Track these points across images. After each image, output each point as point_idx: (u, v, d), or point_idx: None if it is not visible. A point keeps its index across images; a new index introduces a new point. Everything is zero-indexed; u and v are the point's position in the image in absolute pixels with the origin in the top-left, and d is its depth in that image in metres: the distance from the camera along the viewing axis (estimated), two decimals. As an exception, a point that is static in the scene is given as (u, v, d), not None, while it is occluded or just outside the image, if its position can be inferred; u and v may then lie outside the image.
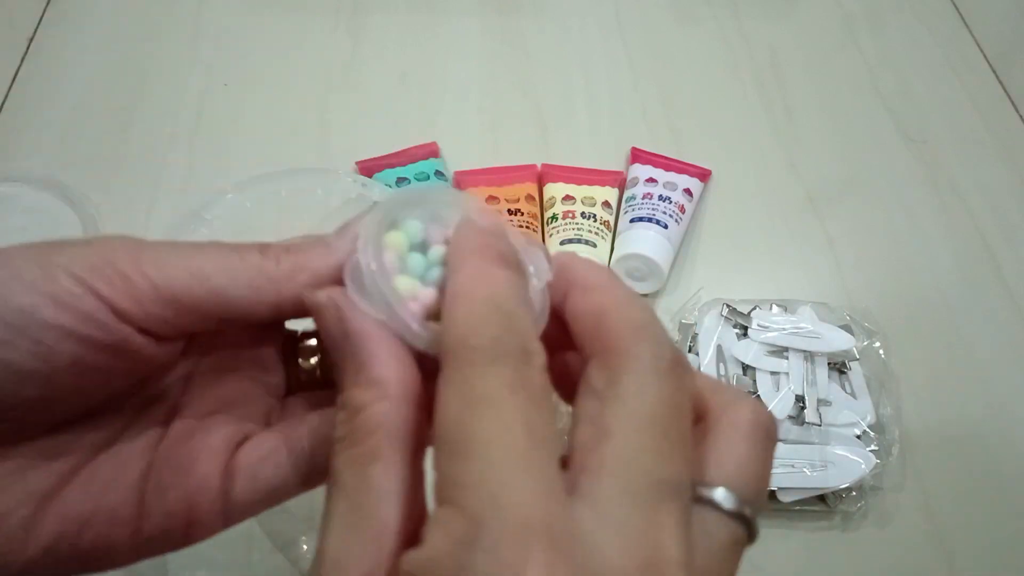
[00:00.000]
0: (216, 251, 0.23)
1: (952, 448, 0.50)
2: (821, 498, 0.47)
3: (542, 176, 0.61)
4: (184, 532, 0.23)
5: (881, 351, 0.52)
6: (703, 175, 0.62)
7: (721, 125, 0.67)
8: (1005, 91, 0.71)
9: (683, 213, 0.58)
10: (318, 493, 0.26)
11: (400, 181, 0.58)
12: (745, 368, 0.50)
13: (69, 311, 0.21)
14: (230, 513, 0.24)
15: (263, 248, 0.24)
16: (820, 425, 0.47)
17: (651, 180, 0.60)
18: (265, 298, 0.23)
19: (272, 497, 0.25)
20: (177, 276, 0.22)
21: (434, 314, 0.23)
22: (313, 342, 0.27)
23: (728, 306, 0.53)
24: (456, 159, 0.62)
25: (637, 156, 0.63)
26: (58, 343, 0.21)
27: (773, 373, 0.50)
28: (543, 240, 0.56)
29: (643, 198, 0.58)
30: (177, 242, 0.23)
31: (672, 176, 0.60)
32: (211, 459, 0.24)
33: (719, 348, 0.51)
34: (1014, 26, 0.78)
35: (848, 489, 0.46)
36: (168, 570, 0.44)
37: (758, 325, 0.52)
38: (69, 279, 0.21)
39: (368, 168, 0.61)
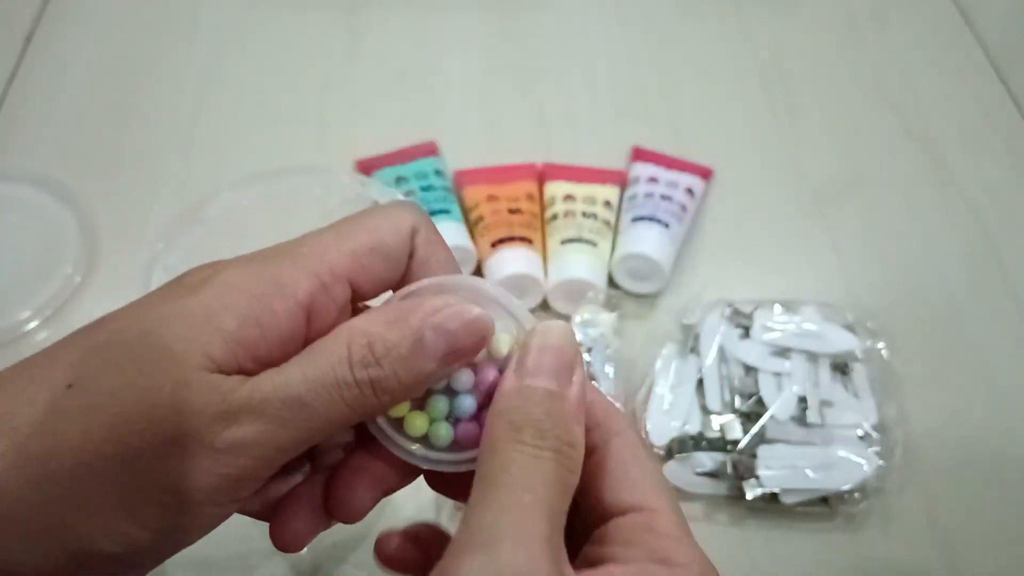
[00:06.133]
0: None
1: (956, 450, 0.50)
2: (824, 500, 0.46)
3: (542, 175, 0.61)
4: None
5: (884, 352, 0.52)
6: (705, 174, 0.62)
7: (723, 123, 0.67)
8: (1008, 90, 0.70)
9: (685, 212, 0.58)
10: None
11: (399, 180, 0.58)
12: (748, 369, 0.50)
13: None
14: None
15: (376, 386, 0.24)
16: (823, 426, 0.47)
17: (653, 179, 0.59)
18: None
19: None
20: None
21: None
22: None
23: (730, 306, 0.53)
24: (456, 158, 0.62)
25: (638, 155, 0.62)
26: None
27: (776, 374, 0.49)
28: (543, 240, 0.56)
29: (645, 197, 0.58)
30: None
31: (674, 175, 0.60)
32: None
33: (721, 349, 0.51)
34: (1017, 25, 0.77)
35: (851, 491, 0.46)
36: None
37: (761, 326, 0.51)
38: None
39: (367, 167, 0.60)
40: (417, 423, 0.25)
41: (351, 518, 0.26)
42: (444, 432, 0.25)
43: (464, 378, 0.25)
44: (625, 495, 0.25)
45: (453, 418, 0.26)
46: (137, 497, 0.21)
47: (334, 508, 0.26)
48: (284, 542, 0.26)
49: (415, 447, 0.25)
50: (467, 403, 0.25)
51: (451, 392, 0.26)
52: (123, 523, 0.21)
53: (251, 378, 0.22)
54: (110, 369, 0.22)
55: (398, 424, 0.25)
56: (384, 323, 0.24)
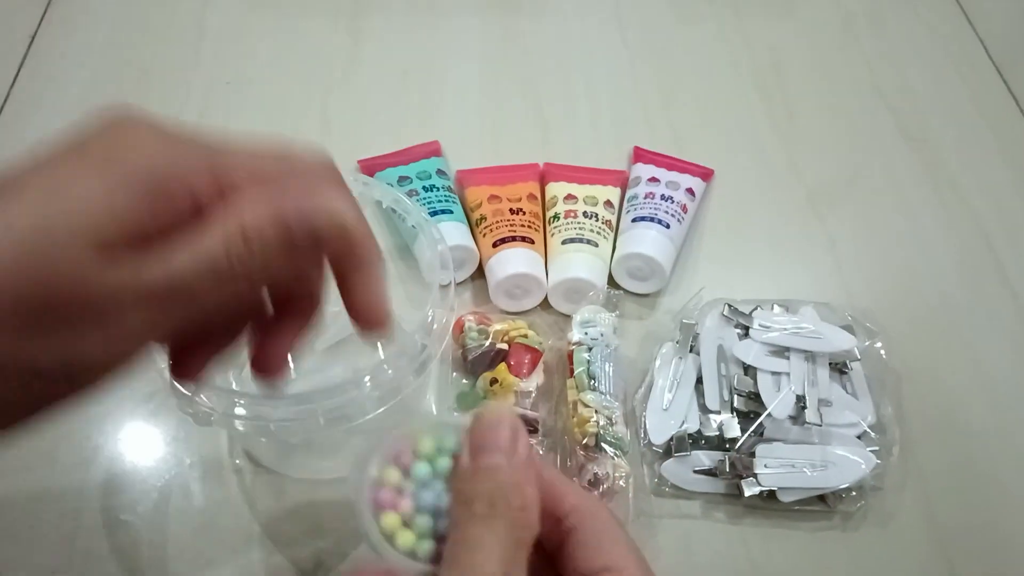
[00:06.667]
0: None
1: (953, 448, 0.50)
2: (821, 498, 0.47)
3: (544, 175, 0.61)
4: None
5: (882, 351, 0.52)
6: (705, 175, 0.62)
7: (723, 124, 0.67)
8: (1009, 89, 0.70)
9: (685, 213, 0.58)
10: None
11: (402, 180, 0.58)
12: (746, 368, 0.50)
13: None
14: None
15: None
16: (821, 425, 0.48)
17: (653, 179, 0.60)
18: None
19: None
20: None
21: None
22: None
23: (730, 306, 0.53)
24: (458, 158, 0.62)
25: (639, 155, 0.63)
26: None
27: (774, 373, 0.50)
28: (544, 240, 0.56)
29: (645, 197, 0.58)
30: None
31: (674, 175, 0.60)
32: None
33: (720, 348, 0.51)
34: (1019, 24, 0.77)
35: (848, 489, 0.46)
36: (166, 564, 0.44)
37: (759, 325, 0.52)
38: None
39: (370, 167, 0.61)
40: (406, 538, 0.29)
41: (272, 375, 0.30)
42: (426, 547, 0.29)
43: (447, 500, 0.29)
44: (598, 558, 0.29)
45: (436, 535, 0.29)
46: (39, 342, 0.23)
47: (258, 368, 0.29)
48: (179, 375, 0.29)
49: (407, 560, 0.29)
50: (445, 524, 0.29)
51: (439, 512, 0.29)
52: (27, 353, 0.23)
53: (141, 263, 0.23)
54: (17, 224, 0.22)
55: (391, 537, 0.29)
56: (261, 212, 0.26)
